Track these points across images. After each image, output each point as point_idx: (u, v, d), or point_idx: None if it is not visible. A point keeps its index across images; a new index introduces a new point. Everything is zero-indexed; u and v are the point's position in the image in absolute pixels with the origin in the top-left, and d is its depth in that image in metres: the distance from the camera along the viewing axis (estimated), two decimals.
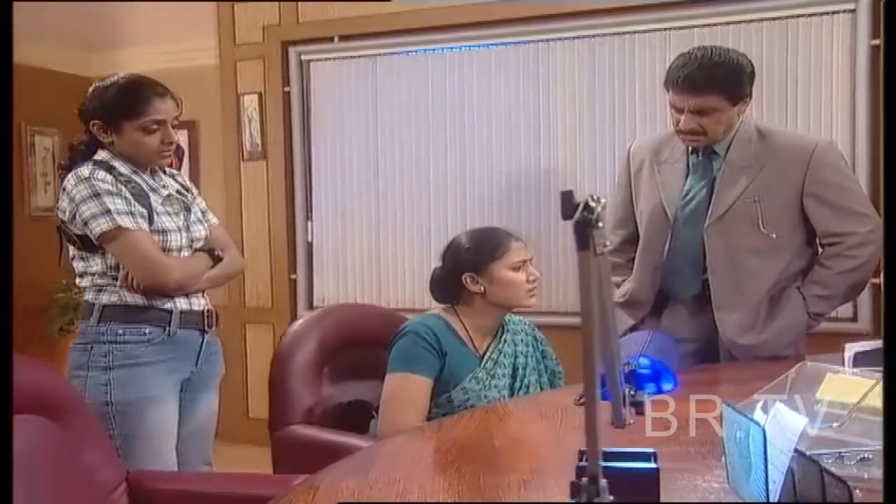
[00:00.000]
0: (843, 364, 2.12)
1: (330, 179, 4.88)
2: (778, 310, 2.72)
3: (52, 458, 1.93)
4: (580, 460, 1.25)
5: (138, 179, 2.50)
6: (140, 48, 5.24)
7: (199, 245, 2.60)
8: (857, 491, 1.42)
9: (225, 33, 5.01)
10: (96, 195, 2.38)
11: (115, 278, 2.45)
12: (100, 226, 2.38)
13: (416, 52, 4.66)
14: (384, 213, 4.76)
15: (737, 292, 2.71)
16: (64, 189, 2.46)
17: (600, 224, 0.82)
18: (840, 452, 1.50)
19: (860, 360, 2.11)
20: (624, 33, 4.28)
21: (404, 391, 2.38)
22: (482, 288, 2.50)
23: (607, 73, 4.32)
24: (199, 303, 2.57)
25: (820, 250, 2.79)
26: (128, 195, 2.43)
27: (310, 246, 4.95)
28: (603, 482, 0.94)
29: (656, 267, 2.82)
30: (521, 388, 2.52)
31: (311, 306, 4.88)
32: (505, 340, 2.56)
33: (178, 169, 5.15)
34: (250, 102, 4.95)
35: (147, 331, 2.45)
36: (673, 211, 2.78)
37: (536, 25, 4.40)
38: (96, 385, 2.40)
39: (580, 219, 0.80)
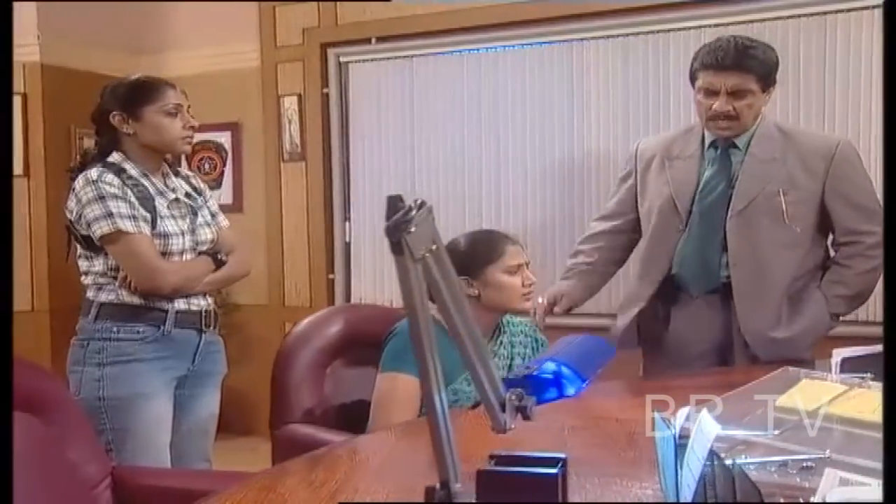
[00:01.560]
0: (831, 370, 2.07)
1: (367, 180, 4.91)
2: (801, 308, 2.69)
3: (35, 452, 1.98)
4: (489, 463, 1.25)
5: (146, 183, 2.56)
6: (186, 51, 5.34)
7: (204, 248, 2.64)
8: (801, 499, 1.39)
9: (266, 36, 5.08)
10: (101, 198, 2.45)
11: (115, 278, 2.51)
12: (101, 228, 2.45)
13: (451, 53, 4.66)
14: None
15: (760, 286, 2.67)
16: (73, 190, 2.53)
17: (413, 228, 0.80)
18: (785, 461, 1.46)
19: (848, 366, 2.05)
20: (657, 31, 4.23)
21: (394, 390, 2.38)
22: (476, 291, 2.49)
23: (641, 71, 4.27)
24: (197, 303, 2.61)
25: (833, 251, 2.74)
26: (133, 199, 2.49)
27: (347, 246, 4.99)
28: (456, 486, 0.93)
29: (663, 262, 2.79)
30: None
31: None
32: (501, 343, 2.55)
33: (222, 170, 5.27)
34: (290, 104, 5.01)
35: (141, 329, 2.50)
36: (684, 205, 2.75)
37: (569, 24, 4.38)
38: (90, 380, 2.46)
39: (390, 223, 0.79)
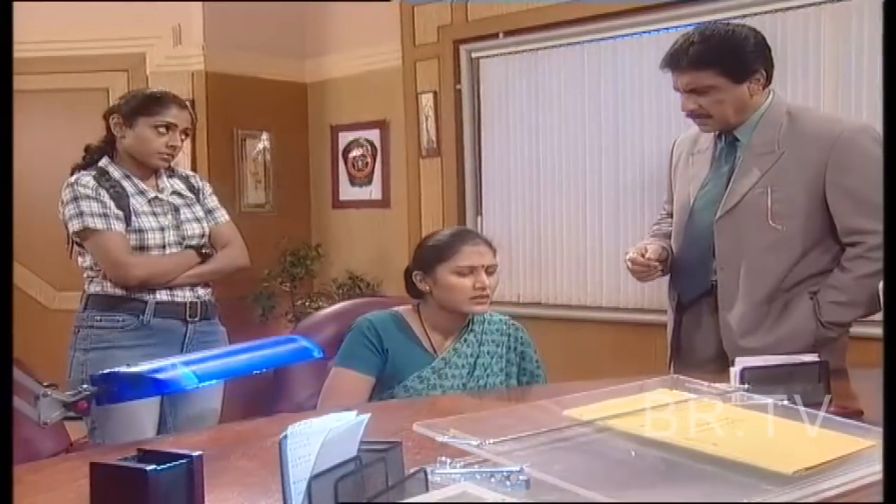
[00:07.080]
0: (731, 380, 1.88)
1: (498, 174, 4.92)
2: (785, 314, 2.42)
3: None
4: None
5: (126, 183, 2.76)
6: (341, 54, 5.62)
7: (193, 242, 2.80)
8: None
9: (407, 35, 5.20)
10: (75, 199, 2.69)
11: (100, 271, 2.73)
12: (74, 226, 2.69)
13: (572, 44, 4.56)
14: (545, 209, 4.72)
15: (741, 292, 2.45)
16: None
17: None
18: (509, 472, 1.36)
19: (750, 376, 1.85)
20: (776, 10, 3.92)
21: (339, 385, 2.43)
22: (428, 288, 2.48)
23: None
24: (183, 295, 2.76)
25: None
26: (106, 199, 2.69)
27: None
28: None
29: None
30: (476, 388, 2.47)
31: None
32: (466, 340, 2.51)
33: (373, 167, 5.49)
34: (427, 101, 5.11)
35: (120, 318, 2.70)
36: (692, 202, 2.58)
37: (681, 10, 4.16)
38: (77, 364, 2.69)
39: None
